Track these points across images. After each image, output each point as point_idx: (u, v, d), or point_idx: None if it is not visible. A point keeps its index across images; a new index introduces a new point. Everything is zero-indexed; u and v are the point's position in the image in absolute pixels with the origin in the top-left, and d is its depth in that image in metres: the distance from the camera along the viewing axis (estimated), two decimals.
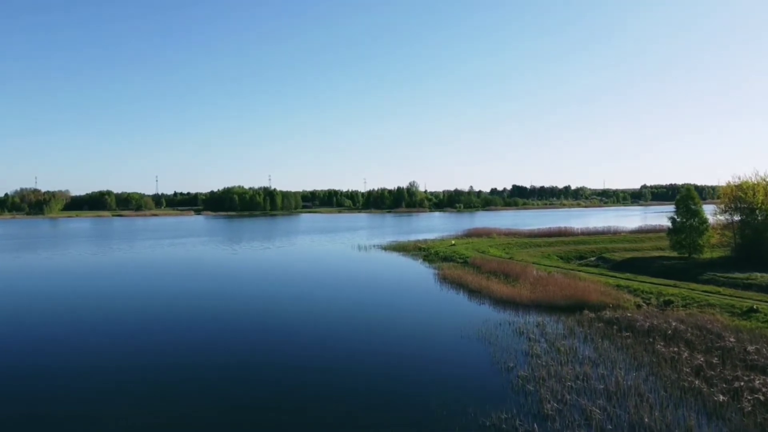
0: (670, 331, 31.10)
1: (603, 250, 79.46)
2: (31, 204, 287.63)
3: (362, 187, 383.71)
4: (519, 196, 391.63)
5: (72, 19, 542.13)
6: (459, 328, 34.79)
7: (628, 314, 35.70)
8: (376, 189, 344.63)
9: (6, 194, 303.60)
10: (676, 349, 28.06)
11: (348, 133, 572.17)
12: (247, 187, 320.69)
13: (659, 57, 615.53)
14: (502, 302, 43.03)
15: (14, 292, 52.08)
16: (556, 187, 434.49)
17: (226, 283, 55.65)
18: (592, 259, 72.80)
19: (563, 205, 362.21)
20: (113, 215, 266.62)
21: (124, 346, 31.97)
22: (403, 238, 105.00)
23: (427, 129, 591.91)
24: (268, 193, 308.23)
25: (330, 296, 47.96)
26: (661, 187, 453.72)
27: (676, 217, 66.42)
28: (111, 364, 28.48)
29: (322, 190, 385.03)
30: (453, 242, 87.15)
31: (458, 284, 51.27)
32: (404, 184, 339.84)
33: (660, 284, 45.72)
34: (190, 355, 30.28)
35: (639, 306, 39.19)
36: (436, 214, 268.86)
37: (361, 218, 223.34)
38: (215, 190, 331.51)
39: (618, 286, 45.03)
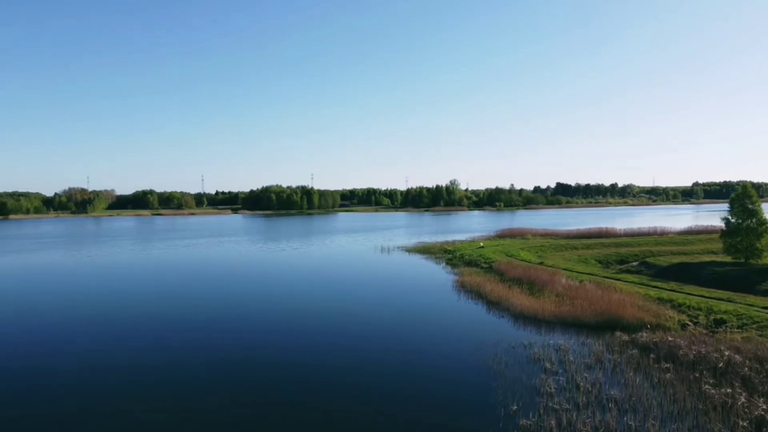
0: (721, 364, 24.93)
1: (647, 253, 72.20)
2: (77, 203, 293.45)
3: (404, 186, 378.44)
4: (563, 195, 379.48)
5: (128, 21, 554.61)
6: (464, 352, 29.47)
7: (670, 338, 29.47)
8: (414, 187, 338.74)
9: (55, 194, 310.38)
10: (729, 390, 21.98)
11: (390, 131, 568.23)
12: (285, 186, 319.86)
13: (710, 42, 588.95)
14: (521, 317, 37.28)
15: (24, 292, 52.16)
16: (602, 184, 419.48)
17: (229, 283, 55.48)
18: (635, 263, 65.70)
19: (609, 204, 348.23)
20: (152, 214, 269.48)
21: (143, 345, 32.66)
22: (432, 239, 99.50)
23: (469, 126, 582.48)
24: (305, 192, 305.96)
25: (331, 304, 43.92)
26: (715, 184, 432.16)
27: (730, 217, 58.99)
28: (140, 362, 29.24)
29: (361, 189, 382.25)
30: (481, 244, 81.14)
31: (476, 294, 45.68)
32: (445, 183, 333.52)
33: (710, 297, 39.03)
34: (187, 353, 30.76)
35: (684, 326, 32.85)
36: (475, 213, 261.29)
37: (397, 217, 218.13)
38: (255, 189, 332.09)
39: (659, 299, 38.58)
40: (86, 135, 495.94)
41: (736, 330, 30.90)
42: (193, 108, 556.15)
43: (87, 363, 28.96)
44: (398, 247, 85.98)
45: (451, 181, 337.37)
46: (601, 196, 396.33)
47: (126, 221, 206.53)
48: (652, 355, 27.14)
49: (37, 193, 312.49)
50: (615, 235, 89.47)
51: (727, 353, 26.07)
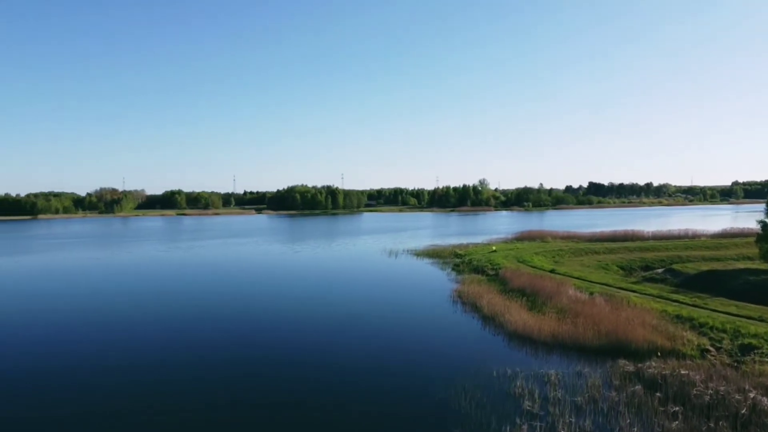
0: (744, 410, 19.85)
1: (675, 258, 66.25)
2: (106, 203, 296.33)
3: (433, 185, 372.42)
4: (595, 194, 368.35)
5: (158, 20, 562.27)
6: (436, 382, 24.96)
7: (683, 371, 24.28)
8: (441, 187, 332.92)
9: (87, 194, 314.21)
10: None
11: (421, 130, 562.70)
12: (311, 185, 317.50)
13: (751, 35, 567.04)
14: (515, 337, 32.41)
15: (32, 292, 52.61)
16: (637, 184, 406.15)
17: (223, 285, 55.29)
18: (659, 270, 59.75)
19: (642, 204, 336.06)
20: (177, 214, 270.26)
21: (149, 345, 32.93)
22: (447, 241, 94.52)
23: (501, 125, 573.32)
24: (330, 192, 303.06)
25: (314, 311, 41.55)
26: (756, 183, 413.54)
27: (767, 219, 52.82)
28: (144, 362, 29.41)
29: (388, 189, 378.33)
30: (494, 248, 75.94)
31: (472, 306, 40.89)
32: (475, 182, 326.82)
33: (739, 315, 33.48)
34: (188, 353, 31.00)
35: (704, 352, 27.54)
36: (503, 213, 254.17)
37: (420, 218, 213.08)
38: (281, 188, 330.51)
39: (678, 317, 33.20)
40: (123, 136, 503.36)
41: (766, 359, 25.53)
42: (226, 108, 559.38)
43: (90, 363, 29.22)
44: (408, 250, 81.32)
45: (480, 181, 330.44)
46: (634, 196, 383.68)
47: (148, 221, 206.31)
48: (658, 394, 22.06)
49: (72, 193, 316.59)
50: (641, 238, 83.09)
51: (752, 394, 20.93)
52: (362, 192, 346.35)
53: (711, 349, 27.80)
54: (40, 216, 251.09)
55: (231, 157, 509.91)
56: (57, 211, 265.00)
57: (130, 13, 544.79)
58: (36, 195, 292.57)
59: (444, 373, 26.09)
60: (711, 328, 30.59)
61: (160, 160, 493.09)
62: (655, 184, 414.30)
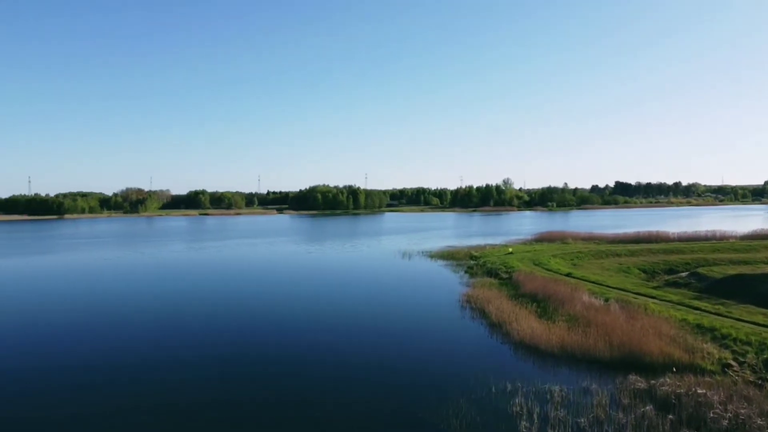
0: None
1: (700, 261, 63.22)
2: (131, 203, 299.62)
3: (457, 185, 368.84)
4: (622, 194, 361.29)
5: (178, 19, 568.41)
6: (430, 396, 23.22)
7: (700, 389, 21.99)
8: (463, 187, 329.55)
9: (114, 194, 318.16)
10: None
11: (445, 129, 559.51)
12: (332, 185, 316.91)
13: None
14: (521, 347, 30.36)
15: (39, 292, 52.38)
16: (665, 183, 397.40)
17: (227, 284, 55.50)
18: (684, 274, 56.82)
19: (670, 204, 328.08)
20: (199, 214, 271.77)
21: (155, 344, 33.09)
22: (464, 243, 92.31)
23: (526, 124, 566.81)
24: (352, 192, 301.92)
25: (318, 311, 41.37)
26: None
27: None
28: (149, 361, 29.50)
29: (410, 189, 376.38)
30: (510, 250, 73.59)
31: (480, 312, 38.88)
32: (498, 182, 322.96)
33: (767, 325, 30.93)
34: (191, 352, 31.08)
35: (726, 367, 25.18)
36: (526, 213, 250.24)
37: (441, 218, 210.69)
38: (303, 188, 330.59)
39: (699, 326, 30.78)
40: (152, 136, 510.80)
41: None
42: (253, 108, 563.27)
43: (94, 362, 29.40)
44: (422, 252, 79.32)
45: (504, 180, 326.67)
46: (662, 196, 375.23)
47: (170, 221, 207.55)
48: (671, 416, 19.90)
49: (100, 193, 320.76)
50: (666, 240, 79.77)
51: None
52: (384, 192, 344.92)
53: (733, 363, 25.42)
54: (67, 216, 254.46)
55: (256, 157, 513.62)
56: (83, 211, 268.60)
57: (156, 14, 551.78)
58: (66, 195, 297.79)
59: (438, 388, 24.22)
60: (734, 339, 28.16)
61: (187, 161, 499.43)
62: (684, 183, 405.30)
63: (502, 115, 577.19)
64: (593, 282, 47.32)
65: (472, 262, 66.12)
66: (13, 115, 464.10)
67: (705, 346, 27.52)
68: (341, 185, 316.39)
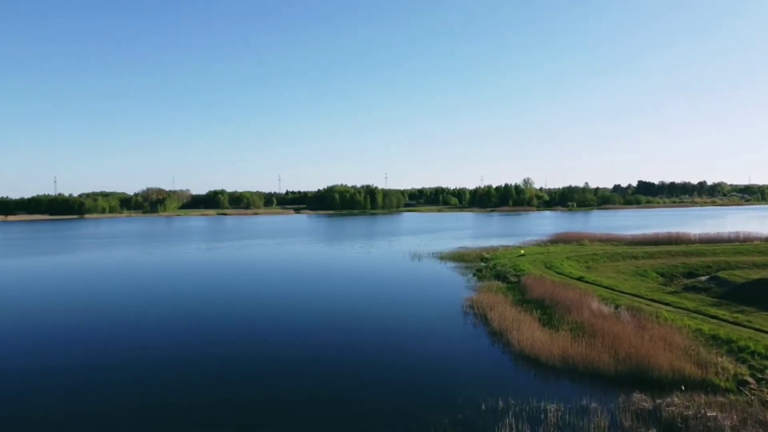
0: None
1: (722, 264, 60.31)
2: (151, 203, 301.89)
3: (478, 184, 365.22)
4: (645, 194, 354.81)
5: (198, 19, 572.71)
6: (404, 420, 21.14)
7: (710, 411, 19.83)
8: (482, 186, 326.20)
9: (134, 194, 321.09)
10: None
11: (466, 128, 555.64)
12: (350, 185, 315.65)
13: None
14: (521, 358, 28.38)
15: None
16: (689, 183, 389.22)
17: (236, 286, 55.32)
18: (703, 278, 54.14)
19: (695, 204, 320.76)
20: (217, 213, 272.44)
21: (160, 344, 33.27)
22: (477, 244, 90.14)
23: (547, 124, 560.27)
24: (369, 192, 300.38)
25: (314, 317, 40.13)
26: None
27: None
28: (155, 361, 29.63)
29: (429, 188, 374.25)
30: (522, 251, 71.27)
31: (483, 318, 36.90)
32: (518, 181, 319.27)
33: None
34: (195, 351, 31.44)
35: (742, 384, 22.93)
36: (546, 213, 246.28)
37: (459, 218, 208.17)
38: (322, 188, 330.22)
39: (714, 337, 28.47)
40: (174, 136, 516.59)
41: None
42: (274, 108, 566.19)
43: (103, 361, 29.58)
44: (433, 253, 77.33)
45: (524, 180, 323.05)
46: (686, 196, 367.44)
47: (188, 221, 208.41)
48: None
49: (123, 193, 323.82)
50: (687, 242, 76.77)
51: None
52: (403, 191, 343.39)
53: (750, 380, 23.15)
54: (87, 215, 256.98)
55: (277, 157, 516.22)
56: (103, 211, 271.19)
57: (178, 13, 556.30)
58: (90, 195, 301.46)
59: (424, 406, 22.43)
60: (752, 353, 25.83)
61: (209, 161, 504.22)
62: (709, 182, 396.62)
63: (525, 114, 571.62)
64: (605, 287, 45.01)
65: (482, 265, 64.06)
66: (40, 115, 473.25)
67: (720, 360, 25.26)
68: (361, 185, 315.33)
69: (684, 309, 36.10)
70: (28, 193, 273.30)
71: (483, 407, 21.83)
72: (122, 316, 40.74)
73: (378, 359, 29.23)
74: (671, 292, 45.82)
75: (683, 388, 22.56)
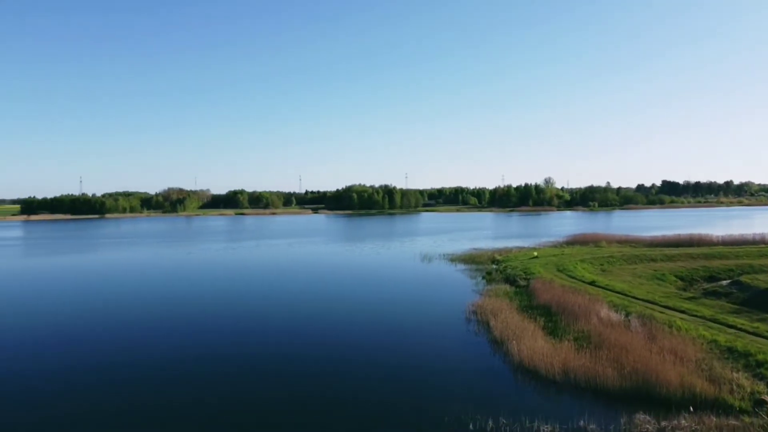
0: None
1: (745, 268, 57.54)
2: (171, 202, 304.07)
3: (498, 184, 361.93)
4: (669, 193, 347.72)
5: (223, 18, 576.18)
6: None
7: None
8: (501, 186, 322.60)
9: (156, 193, 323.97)
10: None
11: (486, 128, 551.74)
12: (368, 185, 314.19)
13: None
14: (519, 371, 26.48)
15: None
16: (715, 182, 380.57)
17: (238, 286, 55.27)
18: (725, 282, 51.47)
19: (720, 204, 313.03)
20: (235, 213, 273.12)
21: (167, 345, 33.38)
22: (492, 245, 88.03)
23: (569, 122, 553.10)
24: (387, 192, 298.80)
25: (315, 318, 39.65)
26: None
27: None
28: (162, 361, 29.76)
29: (449, 188, 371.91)
30: (535, 253, 69.00)
31: (485, 325, 35.00)
32: (539, 181, 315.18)
33: None
34: (201, 351, 31.52)
35: (759, 404, 20.78)
36: (566, 213, 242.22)
37: (477, 218, 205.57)
38: (340, 188, 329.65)
39: (731, 350, 26.25)
40: (196, 137, 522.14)
41: None
42: (296, 107, 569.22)
43: (104, 361, 29.64)
44: (444, 255, 75.40)
45: (545, 179, 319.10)
46: (712, 195, 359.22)
47: (205, 220, 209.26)
48: None
49: (145, 193, 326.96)
50: (709, 243, 73.81)
51: None
52: (422, 191, 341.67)
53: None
54: (107, 215, 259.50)
55: (298, 157, 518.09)
56: (124, 210, 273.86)
57: (194, 12, 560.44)
58: (111, 194, 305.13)
59: (403, 425, 20.73)
60: None
61: (230, 161, 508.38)
62: (736, 182, 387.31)
63: (546, 113, 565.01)
64: (618, 292, 42.74)
65: (492, 267, 62.03)
66: (67, 116, 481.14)
67: (735, 375, 23.10)
68: (381, 184, 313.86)
69: (700, 317, 33.80)
70: (55, 193, 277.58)
71: (471, 427, 20.04)
72: (133, 316, 41.03)
73: (366, 368, 27.73)
74: (689, 298, 43.38)
75: (693, 408, 20.48)
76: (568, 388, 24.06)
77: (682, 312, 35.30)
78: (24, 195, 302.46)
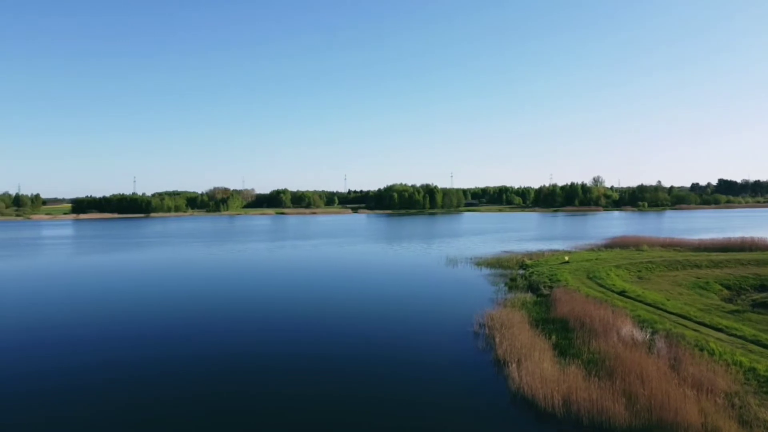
0: None
1: None
2: (216, 202, 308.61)
3: (547, 183, 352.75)
4: (726, 193, 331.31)
5: (266, 18, 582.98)
6: None
7: None
8: (547, 185, 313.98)
9: (201, 193, 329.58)
10: None
11: (536, 126, 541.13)
12: (413, 184, 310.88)
13: None
14: (517, 399, 22.94)
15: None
16: None
17: (242, 288, 54.54)
18: None
19: None
20: (276, 213, 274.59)
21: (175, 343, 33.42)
22: (525, 247, 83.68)
23: (619, 120, 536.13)
24: (428, 191, 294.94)
25: (321, 321, 38.83)
26: None
27: None
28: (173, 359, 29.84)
29: (493, 187, 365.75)
30: (566, 258, 64.45)
31: (492, 341, 31.41)
32: (586, 180, 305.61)
33: None
34: (213, 349, 31.82)
35: None
36: (614, 213, 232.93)
37: (519, 218, 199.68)
38: (382, 188, 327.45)
39: None
40: (244, 138, 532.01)
41: None
42: (342, 106, 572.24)
43: (123, 359, 29.81)
44: (470, 258, 71.59)
45: (594, 178, 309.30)
46: None
47: (246, 219, 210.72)
48: None
49: (193, 192, 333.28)
50: (762, 248, 67.54)
51: None
52: (465, 191, 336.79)
53: None
54: (153, 214, 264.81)
55: (342, 156, 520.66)
56: (169, 210, 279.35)
57: (231, 12, 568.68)
58: (159, 194, 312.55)
59: None
60: None
61: (277, 160, 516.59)
62: None
63: (596, 111, 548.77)
64: (648, 304, 38.33)
65: (518, 273, 58.00)
66: (124, 118, 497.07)
67: None
68: (423, 183, 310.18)
69: (739, 337, 29.36)
70: (111, 192, 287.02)
71: None
72: (159, 315, 41.63)
73: (349, 384, 25.09)
74: (733, 311, 38.61)
75: None
76: (568, 424, 20.44)
77: (719, 330, 30.87)
78: (82, 194, 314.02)
